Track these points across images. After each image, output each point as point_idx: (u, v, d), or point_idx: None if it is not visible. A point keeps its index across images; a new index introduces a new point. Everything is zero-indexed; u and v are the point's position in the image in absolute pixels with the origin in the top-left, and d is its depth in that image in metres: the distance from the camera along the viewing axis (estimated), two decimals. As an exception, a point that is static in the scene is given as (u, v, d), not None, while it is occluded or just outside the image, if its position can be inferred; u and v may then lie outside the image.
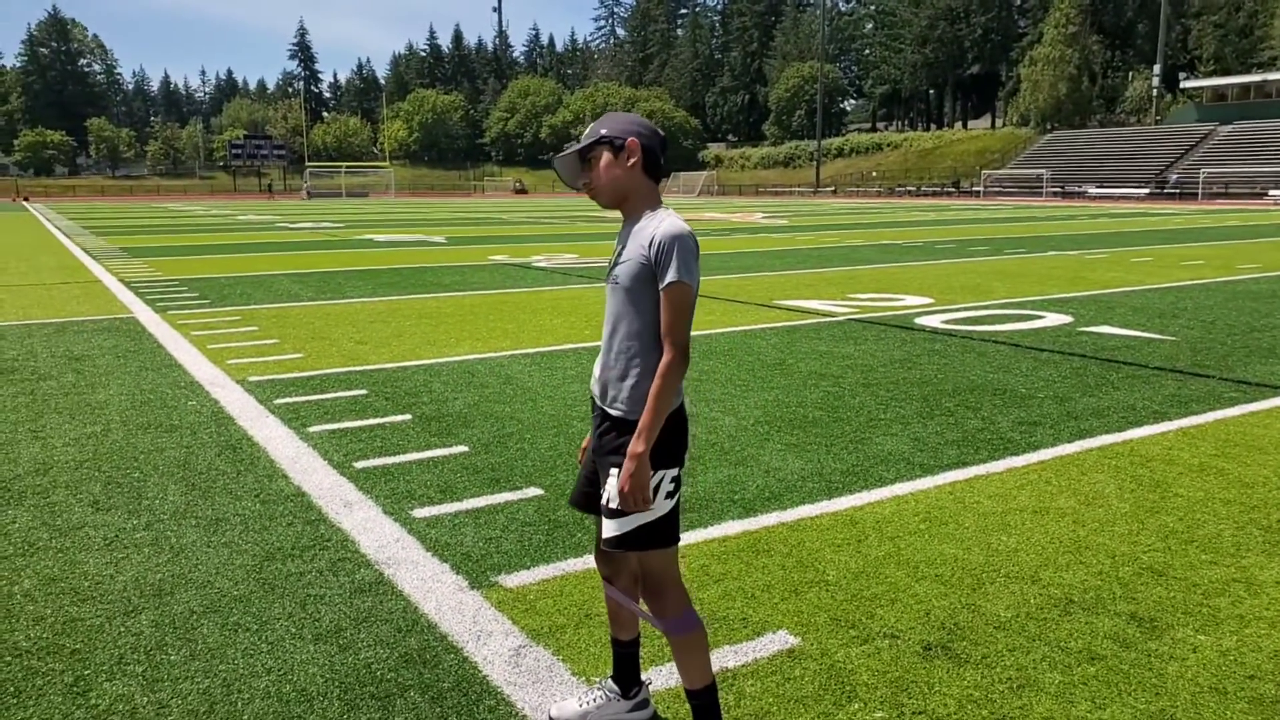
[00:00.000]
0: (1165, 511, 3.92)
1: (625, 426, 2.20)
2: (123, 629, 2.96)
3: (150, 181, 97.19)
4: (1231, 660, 2.74)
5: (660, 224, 2.14)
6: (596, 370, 2.32)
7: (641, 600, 2.37)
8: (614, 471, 2.19)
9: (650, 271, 2.13)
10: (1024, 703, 2.53)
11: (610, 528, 2.21)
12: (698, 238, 2.16)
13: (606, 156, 2.20)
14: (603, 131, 2.21)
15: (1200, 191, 54.82)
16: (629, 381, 2.20)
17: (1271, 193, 51.06)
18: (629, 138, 2.19)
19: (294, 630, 2.94)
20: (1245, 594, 3.17)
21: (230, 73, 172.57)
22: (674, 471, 2.21)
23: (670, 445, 2.19)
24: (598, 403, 2.29)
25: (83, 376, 6.71)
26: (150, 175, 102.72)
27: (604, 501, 2.22)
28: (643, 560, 2.25)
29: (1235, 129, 62.09)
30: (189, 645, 2.86)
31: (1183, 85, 70.70)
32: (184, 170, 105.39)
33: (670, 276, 2.10)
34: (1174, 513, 3.91)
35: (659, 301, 2.13)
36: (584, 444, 2.43)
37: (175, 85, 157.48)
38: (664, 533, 2.20)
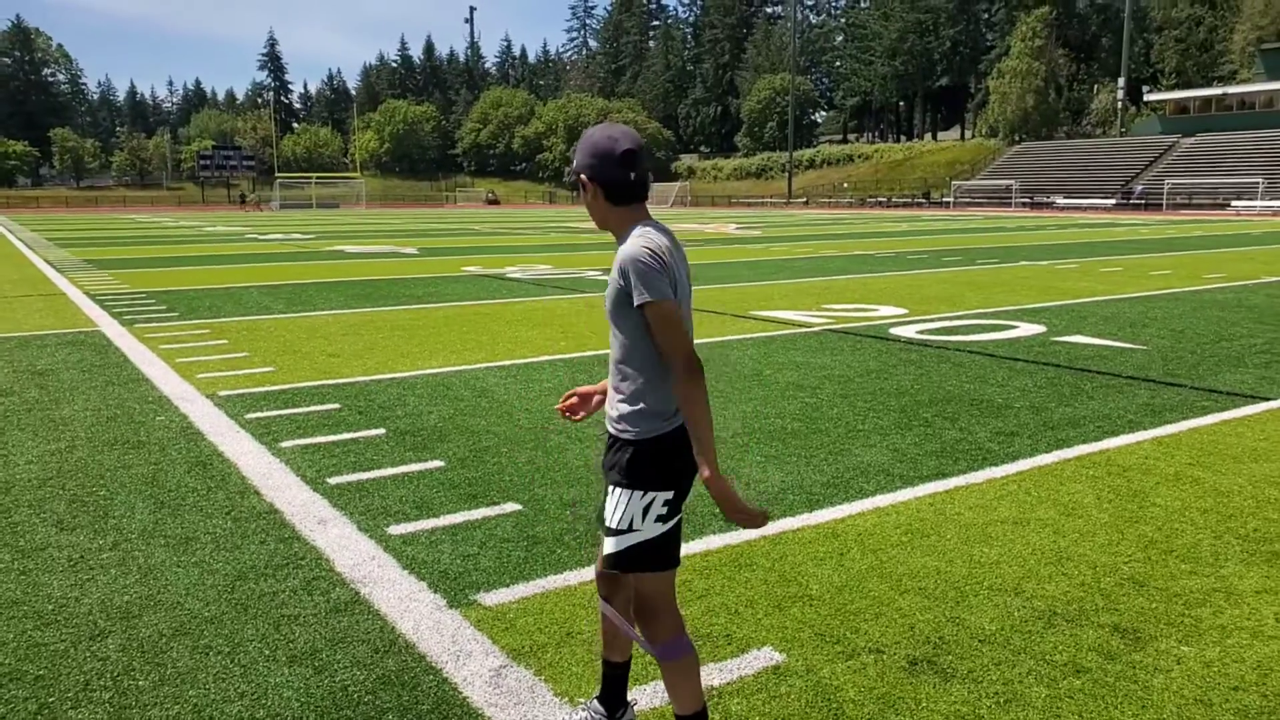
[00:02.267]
0: (1144, 521, 3.94)
1: (621, 445, 2.18)
2: (89, 654, 2.87)
3: (116, 193, 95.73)
4: (1215, 671, 2.74)
5: (624, 248, 2.13)
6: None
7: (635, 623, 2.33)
8: (610, 489, 2.19)
9: (626, 295, 2.11)
10: (1011, 717, 2.51)
11: (607, 545, 2.20)
12: (659, 250, 2.11)
13: (584, 187, 2.20)
14: (573, 165, 2.21)
15: (1165, 202, 55.73)
16: (622, 400, 2.19)
17: (1234, 204, 52.01)
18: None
19: (267, 652, 2.87)
20: (1225, 604, 3.17)
21: (198, 83, 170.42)
22: (666, 495, 2.17)
23: (660, 469, 2.16)
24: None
25: (46, 392, 6.55)
26: (116, 186, 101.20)
27: (604, 519, 2.21)
28: (636, 582, 2.22)
29: (1197, 141, 63.24)
30: (158, 670, 2.77)
31: (1146, 98, 71.94)
32: (151, 181, 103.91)
33: (638, 299, 2.07)
34: (1152, 522, 3.92)
35: (639, 323, 2.12)
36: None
37: (142, 95, 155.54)
38: (658, 556, 2.17)
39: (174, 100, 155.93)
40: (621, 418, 2.19)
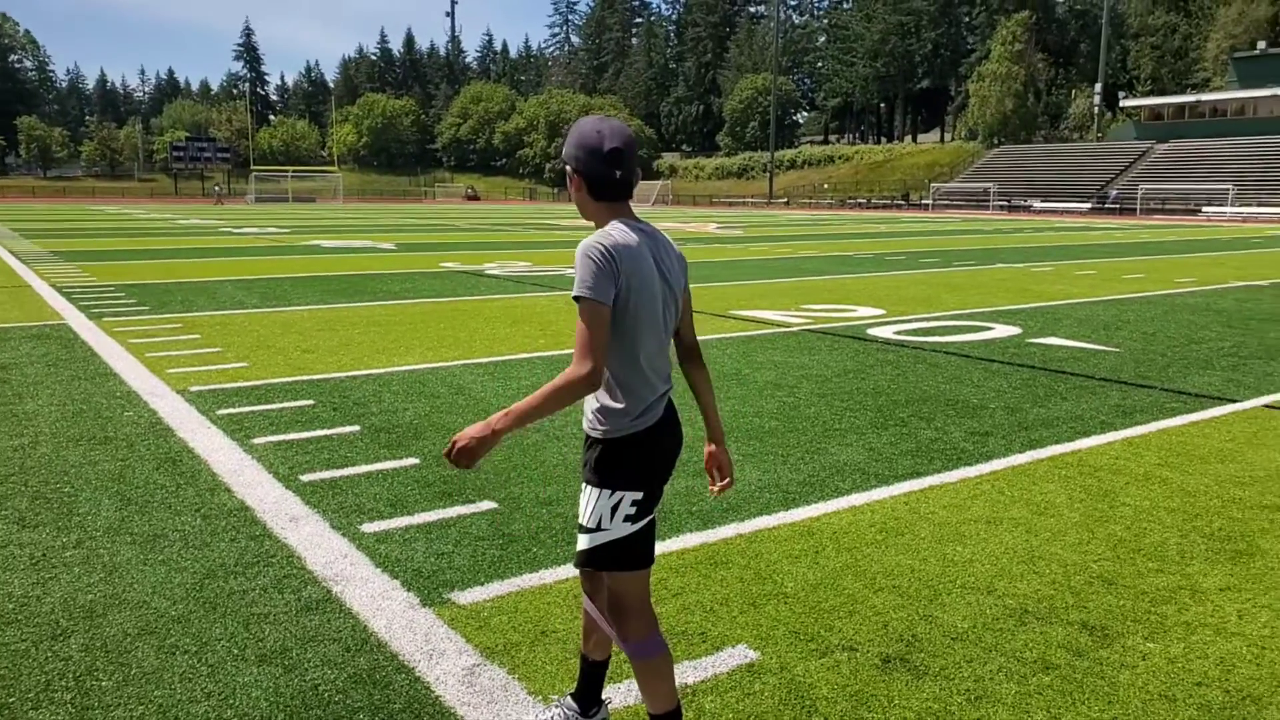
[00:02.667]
0: (1114, 521, 3.97)
1: (592, 443, 2.18)
2: (50, 654, 2.82)
3: (85, 183, 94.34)
4: (1179, 667, 2.77)
5: (583, 241, 2.11)
6: None
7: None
8: (583, 486, 2.18)
9: None
10: (981, 714, 2.52)
11: (580, 542, 2.19)
12: (612, 247, 2.07)
13: (570, 177, 2.18)
14: (563, 154, 2.17)
15: (1139, 207, 56.38)
16: (593, 396, 2.17)
17: (1205, 209, 52.71)
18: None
19: (236, 651, 2.83)
20: (1191, 601, 3.21)
21: (171, 72, 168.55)
22: (635, 495, 2.15)
23: (629, 468, 2.15)
24: None
25: (9, 386, 6.45)
26: (85, 177, 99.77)
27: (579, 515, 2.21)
28: (609, 580, 2.22)
29: (1171, 147, 64.03)
30: (122, 670, 2.73)
31: (1122, 104, 72.74)
32: (122, 172, 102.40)
33: (574, 291, 2.04)
34: (1122, 522, 3.96)
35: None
36: None
37: (112, 84, 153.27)
38: (627, 555, 2.16)
39: (146, 90, 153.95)
40: (593, 414, 2.17)
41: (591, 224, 2.22)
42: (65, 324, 9.28)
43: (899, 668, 2.76)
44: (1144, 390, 6.52)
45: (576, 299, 2.03)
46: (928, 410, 5.89)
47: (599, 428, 2.15)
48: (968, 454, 4.94)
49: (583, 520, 2.17)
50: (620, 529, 2.14)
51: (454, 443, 2.01)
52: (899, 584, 3.34)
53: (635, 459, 2.15)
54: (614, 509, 2.13)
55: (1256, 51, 65.16)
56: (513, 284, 13.48)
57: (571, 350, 2.07)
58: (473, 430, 2.01)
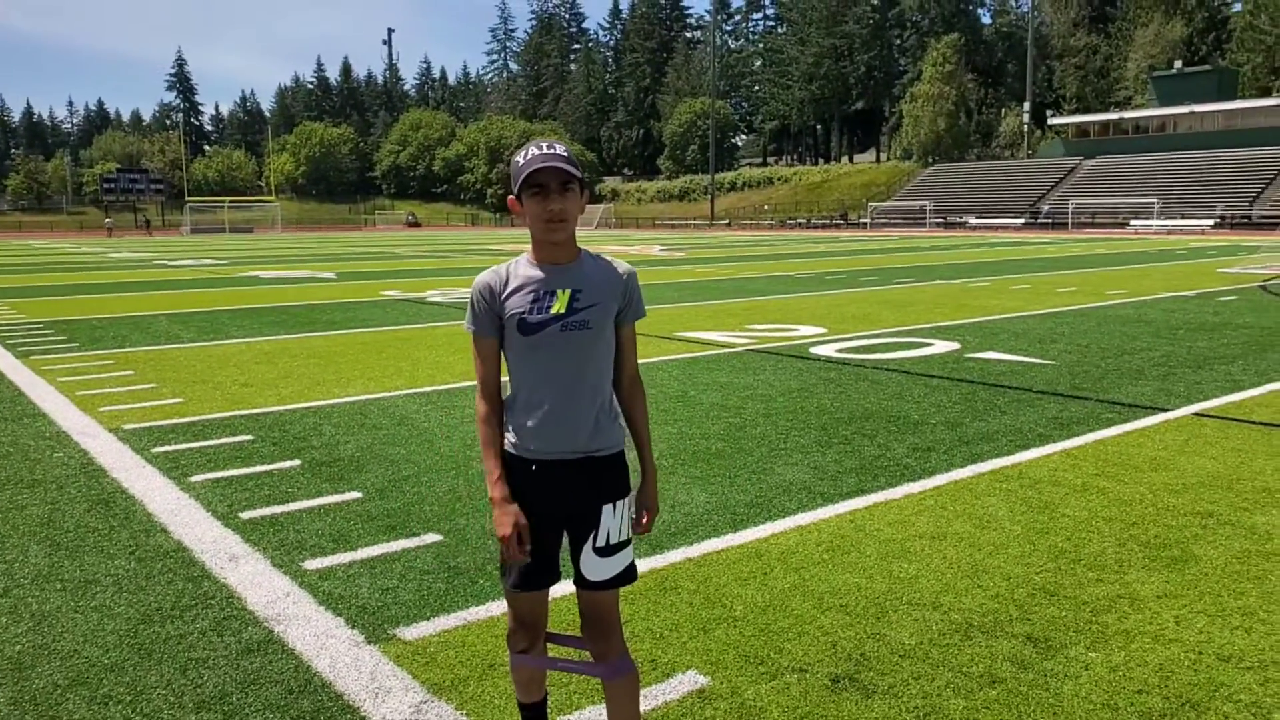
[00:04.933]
0: (1054, 532, 4.06)
1: (612, 458, 2.26)
2: (-24, 709, 2.70)
3: (11, 217, 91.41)
4: (1120, 676, 2.83)
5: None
6: None
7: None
8: (614, 505, 2.20)
9: None
10: (931, 732, 2.54)
11: (621, 561, 2.22)
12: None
13: (579, 194, 2.13)
14: (575, 171, 2.09)
15: (1070, 221, 58.10)
16: (614, 412, 2.29)
17: (1133, 223, 54.50)
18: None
19: (173, 699, 2.74)
20: (1130, 609, 3.28)
21: (101, 103, 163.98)
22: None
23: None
24: None
25: (-65, 429, 6.20)
26: (11, 211, 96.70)
27: (604, 541, 2.20)
28: (610, 599, 2.26)
29: (1098, 163, 66.16)
30: (53, 723, 2.62)
31: (1050, 121, 75.09)
32: (50, 205, 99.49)
33: (640, 315, 2.28)
34: (1062, 533, 4.05)
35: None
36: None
37: (39, 115, 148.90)
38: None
39: (74, 121, 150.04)
40: (619, 426, 2.28)
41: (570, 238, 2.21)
42: (-10, 363, 8.96)
43: (848, 687, 2.78)
44: (1080, 402, 6.69)
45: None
46: (871, 427, 5.97)
47: (623, 442, 2.25)
48: (911, 470, 5.01)
49: (622, 536, 2.22)
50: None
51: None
52: (847, 603, 3.36)
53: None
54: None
55: (1173, 71, 67.88)
56: (456, 311, 13.37)
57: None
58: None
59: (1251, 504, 4.39)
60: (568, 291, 2.12)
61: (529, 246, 2.19)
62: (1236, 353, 8.73)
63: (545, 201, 2.05)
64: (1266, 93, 65.47)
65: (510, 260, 2.22)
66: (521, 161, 2.06)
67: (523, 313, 2.11)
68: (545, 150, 2.06)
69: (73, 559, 3.86)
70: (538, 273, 2.14)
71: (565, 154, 2.06)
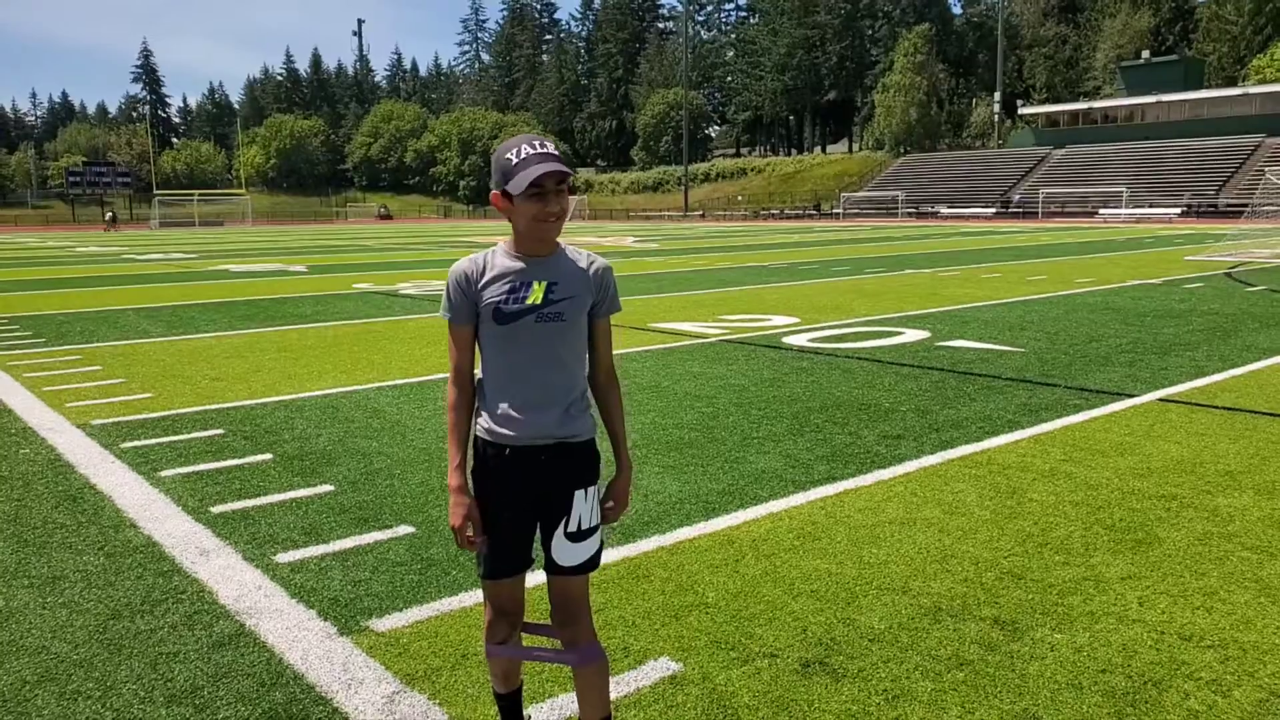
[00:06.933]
0: (1022, 516, 4.12)
1: (582, 445, 2.26)
2: (-58, 707, 2.67)
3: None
4: (1085, 656, 2.88)
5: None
6: None
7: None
8: (585, 491, 2.22)
9: None
10: (899, 713, 2.58)
11: (588, 548, 2.23)
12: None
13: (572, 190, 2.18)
14: (571, 170, 2.10)
15: (1040, 210, 58.70)
16: (587, 401, 2.32)
17: (1101, 211, 55.15)
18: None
19: (143, 694, 2.73)
20: (1095, 591, 3.34)
21: (66, 95, 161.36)
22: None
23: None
24: None
25: (-103, 426, 6.10)
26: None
27: (575, 526, 2.22)
28: (581, 584, 2.27)
29: (1067, 152, 66.85)
30: (20, 720, 2.60)
31: (1020, 111, 75.73)
32: (14, 200, 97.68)
33: (616, 309, 2.30)
34: (1029, 517, 4.11)
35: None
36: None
37: (1, 107, 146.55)
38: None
39: (38, 114, 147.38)
40: (590, 417, 2.29)
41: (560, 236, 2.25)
42: (-47, 360, 8.82)
43: (818, 671, 2.81)
44: (1048, 388, 6.78)
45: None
46: (842, 415, 6.02)
47: (594, 430, 2.26)
48: (881, 457, 5.06)
49: (592, 522, 2.23)
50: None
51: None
52: (817, 588, 3.40)
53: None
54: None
55: (1141, 61, 68.67)
56: (428, 303, 13.31)
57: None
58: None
59: (1214, 487, 4.48)
60: (544, 283, 2.13)
61: (502, 238, 2.20)
62: (1201, 339, 8.87)
63: (545, 203, 2.06)
64: (1232, 82, 66.35)
65: (487, 250, 2.22)
66: (514, 160, 2.04)
67: (499, 302, 2.12)
68: (539, 149, 2.05)
69: (40, 555, 3.82)
70: (516, 263, 2.15)
71: (558, 153, 2.09)
